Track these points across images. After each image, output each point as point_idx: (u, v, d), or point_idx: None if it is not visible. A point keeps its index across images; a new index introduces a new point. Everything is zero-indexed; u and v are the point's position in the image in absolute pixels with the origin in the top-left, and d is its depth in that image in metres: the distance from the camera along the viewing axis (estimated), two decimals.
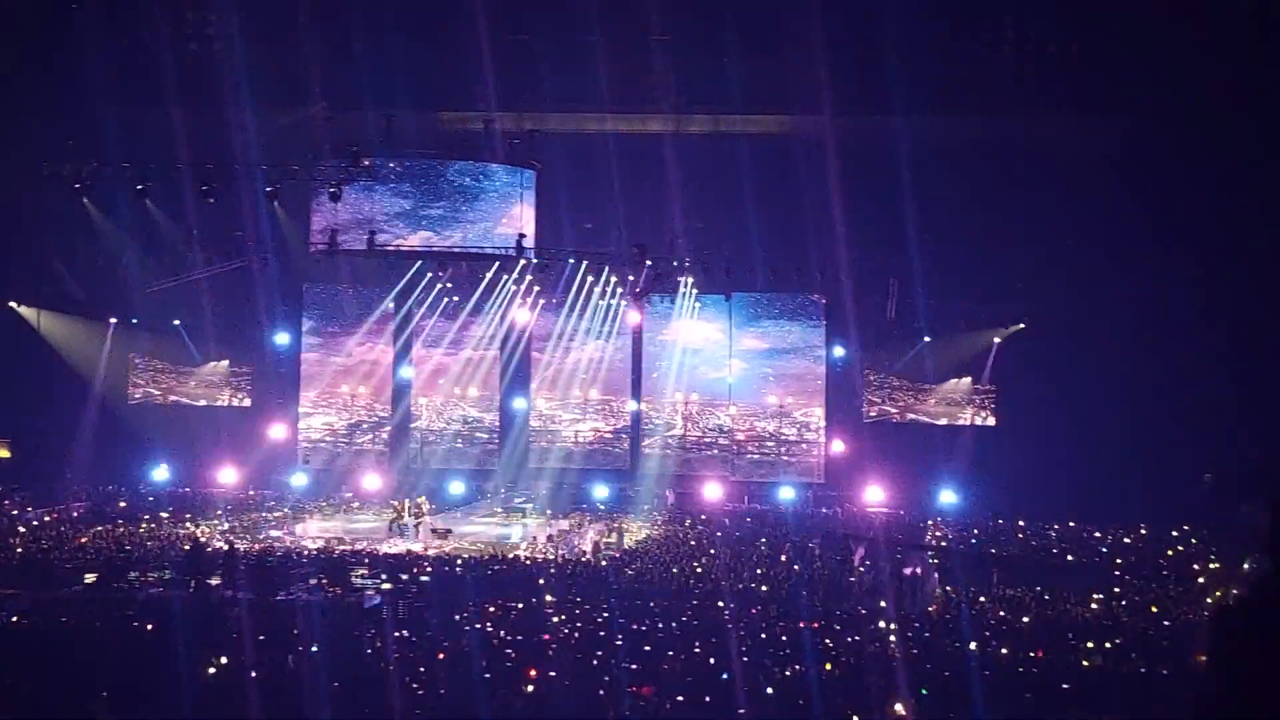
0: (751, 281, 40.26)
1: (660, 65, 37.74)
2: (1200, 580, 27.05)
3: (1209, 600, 24.51)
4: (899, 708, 15.13)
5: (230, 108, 35.85)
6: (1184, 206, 34.35)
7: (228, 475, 40.73)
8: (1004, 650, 19.13)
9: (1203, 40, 33.06)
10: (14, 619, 21.54)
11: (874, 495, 39.67)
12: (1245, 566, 26.59)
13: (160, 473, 40.93)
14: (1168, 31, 33.56)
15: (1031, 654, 18.88)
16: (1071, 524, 35.27)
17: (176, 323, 42.44)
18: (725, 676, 16.72)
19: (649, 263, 38.96)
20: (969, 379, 42.16)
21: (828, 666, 17.12)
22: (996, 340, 41.23)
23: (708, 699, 15.15)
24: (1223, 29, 32.85)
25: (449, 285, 41.75)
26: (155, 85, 35.64)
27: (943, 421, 42.36)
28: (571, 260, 39.95)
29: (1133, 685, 16.98)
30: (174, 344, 43.15)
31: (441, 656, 17.11)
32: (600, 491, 40.58)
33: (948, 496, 38.94)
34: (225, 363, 43.78)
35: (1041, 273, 38.45)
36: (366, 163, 35.88)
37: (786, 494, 40.73)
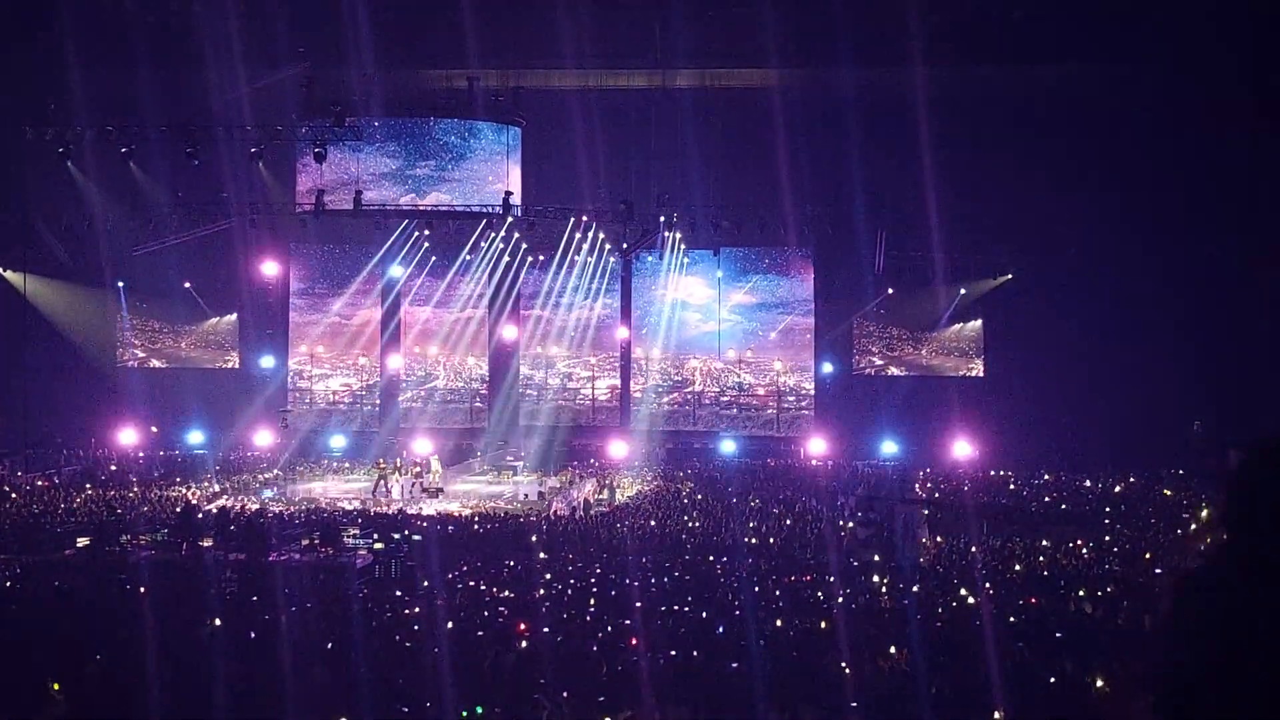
0: (739, 236, 40.13)
1: (645, 20, 37.51)
2: (1193, 527, 27.16)
3: (1201, 548, 24.64)
4: (891, 656, 15.21)
5: (213, 69, 35.60)
6: (1175, 156, 34.25)
7: (217, 436, 40.65)
8: (995, 600, 19.22)
9: None
10: (7, 583, 21.56)
11: (860, 447, 39.66)
12: (1204, 513, 26.54)
13: (152, 435, 40.82)
14: None
15: (1022, 602, 18.96)
16: (1061, 474, 35.39)
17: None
18: (720, 630, 16.79)
19: (636, 219, 38.88)
20: (979, 321, 41.89)
21: (823, 625, 17.15)
22: (984, 291, 41.15)
23: (697, 653, 15.20)
24: None
25: (436, 244, 41.59)
26: (137, 47, 35.36)
27: (945, 372, 42.19)
28: (558, 217, 39.80)
29: (1124, 633, 17.06)
30: (166, 305, 42.94)
31: (434, 617, 17.13)
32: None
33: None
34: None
35: (1029, 223, 38.36)
36: (349, 122, 35.65)
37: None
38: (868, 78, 36.29)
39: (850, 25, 34.76)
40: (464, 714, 12.51)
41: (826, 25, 34.77)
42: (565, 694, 12.90)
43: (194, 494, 32.36)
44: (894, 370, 42.75)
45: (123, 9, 36.13)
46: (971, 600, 19.16)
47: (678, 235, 40.53)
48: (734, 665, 14.82)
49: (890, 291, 41.26)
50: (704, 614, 17.74)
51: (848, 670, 14.45)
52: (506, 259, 41.78)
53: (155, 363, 43.76)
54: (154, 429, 40.93)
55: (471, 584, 20.33)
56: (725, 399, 42.64)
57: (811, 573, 21.88)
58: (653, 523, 27.83)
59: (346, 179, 38.80)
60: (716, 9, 36.73)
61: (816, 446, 39.94)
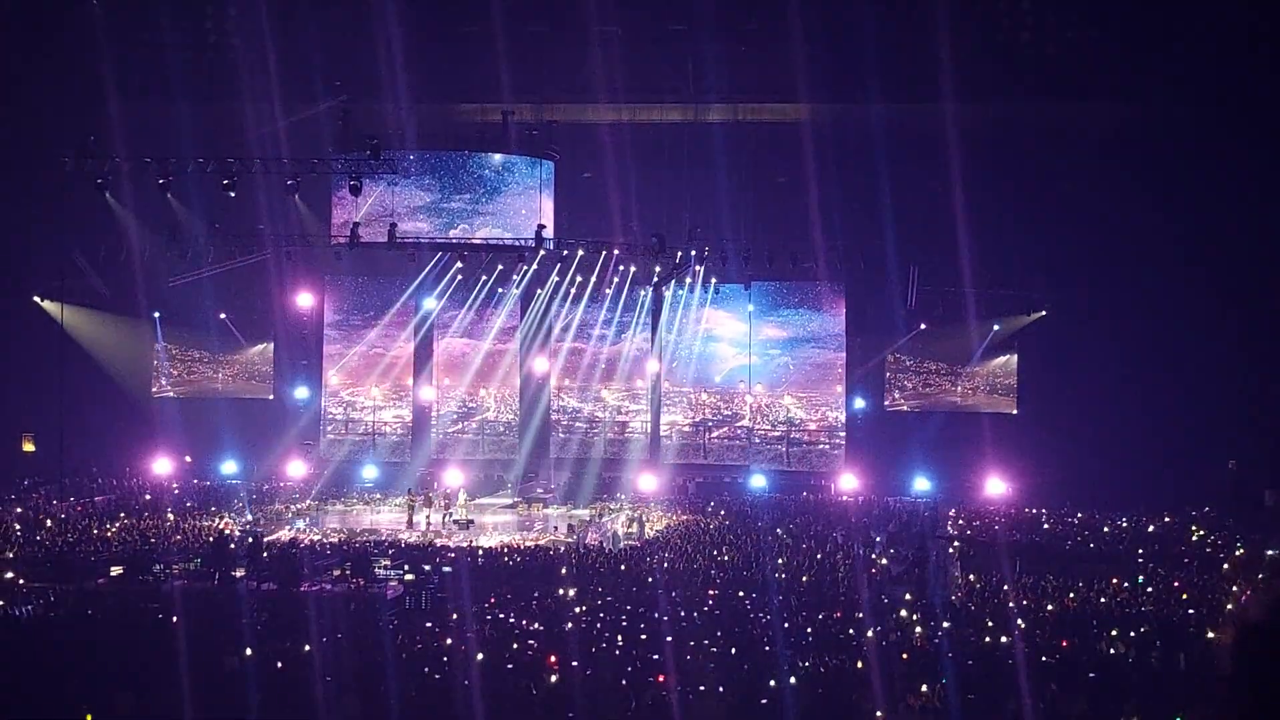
0: (771, 270, 40.11)
1: (677, 55, 37.74)
2: (1226, 568, 26.91)
3: (1233, 589, 24.40)
4: (923, 694, 15.13)
5: (251, 102, 36.00)
6: (1206, 194, 34.13)
7: (250, 467, 40.82)
8: (1027, 639, 19.09)
9: (1225, 27, 32.93)
10: (41, 612, 21.71)
11: (893, 483, 39.40)
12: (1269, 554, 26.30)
13: (186, 464, 41.01)
14: (1186, 18, 33.45)
15: (1055, 642, 18.83)
16: (1095, 512, 35.09)
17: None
18: (748, 667, 16.73)
19: (667, 252, 38.93)
20: (1013, 357, 41.54)
21: (859, 665, 17.07)
22: (1019, 327, 40.93)
23: (725, 689, 15.16)
24: (1239, 17, 32.73)
25: (470, 276, 41.70)
26: (176, 80, 35.80)
27: (979, 408, 41.85)
28: (590, 250, 39.88)
29: (1157, 673, 16.93)
30: (203, 335, 43.21)
31: (464, 648, 17.16)
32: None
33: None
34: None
35: (1063, 260, 38.18)
36: (385, 155, 35.90)
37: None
38: (899, 112, 36.33)
39: (882, 60, 34.88)
40: None
41: (858, 60, 34.89)
42: None
43: (227, 524, 32.48)
44: (923, 406, 42.46)
45: (162, 42, 36.61)
46: (1004, 639, 19.04)
47: (708, 269, 40.57)
48: (763, 702, 14.79)
49: (923, 326, 41.05)
50: (733, 650, 17.69)
51: (879, 710, 14.39)
52: (539, 292, 41.87)
53: (182, 393, 43.95)
54: (188, 459, 41.15)
55: (501, 616, 20.34)
56: (775, 434, 42.52)
57: (842, 609, 21.78)
58: (697, 560, 27.68)
59: (382, 212, 39.08)
60: (748, 44, 36.90)
61: (848, 482, 39.74)
